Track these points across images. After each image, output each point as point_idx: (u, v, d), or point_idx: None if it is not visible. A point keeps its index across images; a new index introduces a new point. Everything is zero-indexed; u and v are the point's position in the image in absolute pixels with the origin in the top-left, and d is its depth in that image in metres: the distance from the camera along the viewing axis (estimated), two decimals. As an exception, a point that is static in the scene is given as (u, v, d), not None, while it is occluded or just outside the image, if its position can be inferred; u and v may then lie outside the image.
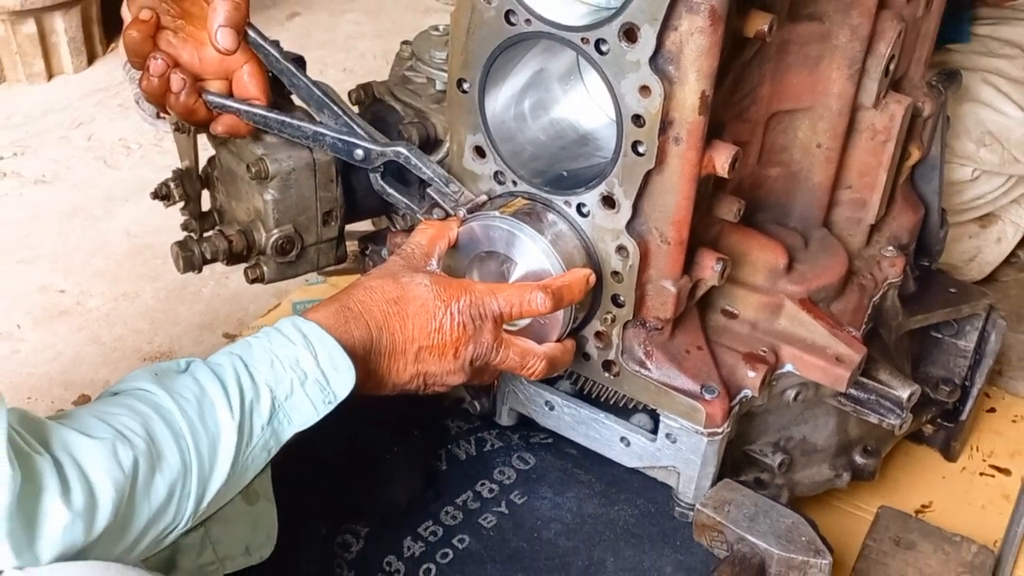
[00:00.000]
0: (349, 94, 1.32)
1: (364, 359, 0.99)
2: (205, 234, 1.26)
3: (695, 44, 0.94)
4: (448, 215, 1.14)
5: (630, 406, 1.19)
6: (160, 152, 2.34)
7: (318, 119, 1.17)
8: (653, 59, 0.95)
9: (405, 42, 1.34)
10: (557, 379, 1.23)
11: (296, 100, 1.21)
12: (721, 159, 1.02)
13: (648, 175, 1.02)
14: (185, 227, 1.29)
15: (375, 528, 1.19)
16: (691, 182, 1.02)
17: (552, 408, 1.23)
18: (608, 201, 1.05)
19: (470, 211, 1.12)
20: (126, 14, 1.15)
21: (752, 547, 1.11)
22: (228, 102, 1.14)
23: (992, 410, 1.62)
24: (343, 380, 0.96)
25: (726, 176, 1.03)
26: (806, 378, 1.19)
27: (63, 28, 2.60)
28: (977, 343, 1.47)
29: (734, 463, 1.24)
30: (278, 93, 1.19)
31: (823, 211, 1.26)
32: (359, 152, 1.16)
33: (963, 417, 1.51)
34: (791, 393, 1.21)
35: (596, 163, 1.09)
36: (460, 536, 1.19)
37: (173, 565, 0.93)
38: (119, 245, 2.06)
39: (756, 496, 1.15)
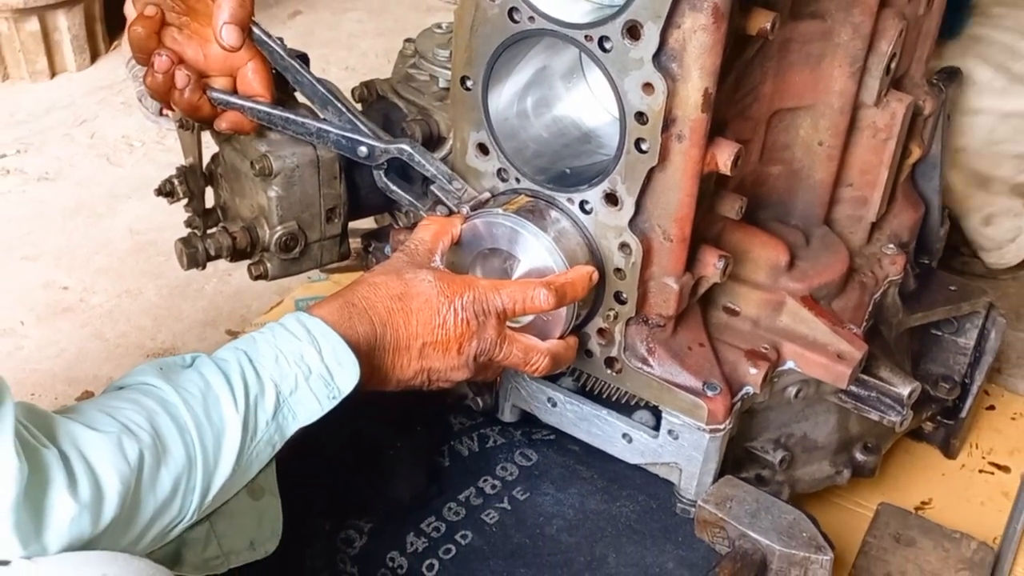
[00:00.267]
0: (352, 92, 1.32)
1: (368, 355, 1.00)
2: (209, 231, 1.26)
3: (698, 42, 0.95)
4: (451, 212, 1.14)
5: (632, 403, 1.19)
6: (163, 149, 2.35)
7: (322, 116, 1.18)
8: (656, 56, 0.96)
9: (408, 40, 1.34)
10: (559, 376, 1.23)
11: (300, 97, 1.22)
12: (724, 156, 1.02)
13: (651, 172, 1.02)
14: (189, 224, 1.30)
15: (378, 524, 1.20)
16: (694, 179, 1.02)
17: (554, 405, 1.24)
18: (611, 198, 1.06)
19: (473, 208, 1.12)
20: (129, 11, 1.15)
21: (754, 543, 1.11)
22: (232, 99, 1.14)
23: (992, 407, 1.62)
24: (347, 375, 0.96)
25: (728, 173, 1.03)
26: (807, 375, 1.19)
27: (66, 26, 2.60)
28: (977, 341, 1.47)
29: (735, 460, 1.24)
30: (282, 90, 1.19)
31: (824, 209, 1.27)
32: (363, 149, 1.16)
33: (963, 414, 1.51)
34: (792, 390, 1.22)
35: (599, 160, 1.10)
36: (463, 532, 1.19)
37: (178, 559, 0.94)
38: (122, 242, 2.07)
39: (758, 492, 1.16)
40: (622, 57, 0.97)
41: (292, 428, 0.95)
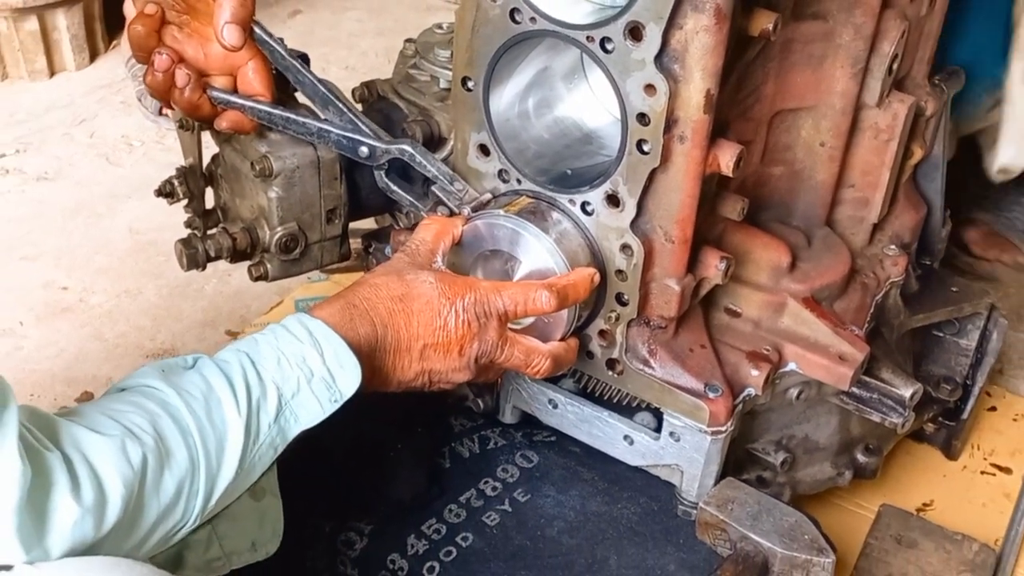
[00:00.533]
0: (352, 92, 1.32)
1: (369, 356, 1.00)
2: (209, 231, 1.26)
3: (700, 43, 0.95)
4: (453, 213, 1.14)
5: (634, 404, 1.19)
6: (163, 149, 2.35)
7: (323, 116, 1.18)
8: (658, 58, 0.96)
9: (409, 40, 1.34)
10: (561, 377, 1.23)
11: (301, 97, 1.22)
12: (725, 158, 1.02)
13: (653, 174, 1.02)
14: (189, 224, 1.29)
15: (379, 525, 1.20)
16: (695, 180, 1.02)
17: (556, 406, 1.24)
18: (612, 199, 1.06)
19: (475, 209, 1.12)
20: (129, 10, 1.15)
21: (755, 545, 1.11)
22: (232, 98, 1.14)
23: (993, 409, 1.62)
24: (349, 378, 0.96)
25: (730, 175, 1.03)
26: (809, 376, 1.19)
27: (65, 25, 2.59)
28: (978, 342, 1.47)
29: (737, 461, 1.24)
30: (282, 91, 1.19)
31: (826, 210, 1.27)
32: (364, 149, 1.16)
33: (964, 416, 1.51)
34: (794, 391, 1.22)
35: (600, 162, 1.10)
36: (464, 534, 1.19)
37: (180, 561, 0.93)
38: (122, 242, 2.06)
39: (759, 494, 1.16)
40: (624, 58, 0.97)
41: (294, 431, 0.94)
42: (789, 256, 1.19)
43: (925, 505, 1.47)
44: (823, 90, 1.17)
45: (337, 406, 0.96)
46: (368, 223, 1.40)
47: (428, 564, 1.16)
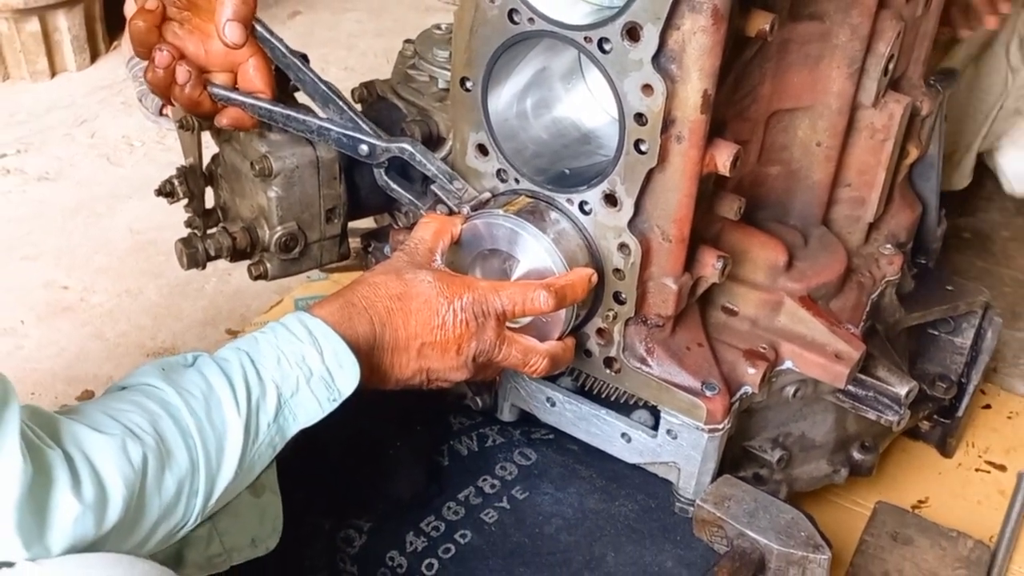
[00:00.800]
0: (352, 92, 1.32)
1: (368, 354, 1.00)
2: (209, 231, 1.26)
3: (697, 43, 0.95)
4: (452, 212, 1.14)
5: (631, 402, 1.20)
6: (163, 149, 2.35)
7: (323, 114, 1.18)
8: (655, 58, 0.96)
9: (408, 40, 1.35)
10: (558, 376, 1.23)
11: (301, 96, 1.22)
12: (722, 157, 1.03)
13: (650, 173, 1.03)
14: (189, 224, 1.30)
15: (378, 523, 1.20)
16: (693, 180, 1.03)
17: (553, 404, 1.24)
18: (610, 199, 1.06)
19: (474, 208, 1.12)
20: (129, 10, 1.16)
21: (752, 542, 1.12)
22: (233, 95, 1.14)
23: (988, 407, 1.63)
24: (348, 377, 0.96)
25: (727, 174, 1.04)
26: (805, 375, 1.20)
27: (66, 26, 2.60)
28: (973, 340, 1.47)
29: (734, 459, 1.25)
30: (282, 90, 1.20)
31: (822, 209, 1.27)
32: (364, 148, 1.17)
33: (959, 414, 1.51)
34: (790, 389, 1.22)
35: (598, 161, 1.10)
36: (462, 531, 1.20)
37: (181, 558, 0.94)
38: (122, 242, 2.07)
39: (756, 492, 1.16)
40: (621, 58, 0.98)
41: (293, 430, 0.95)
42: (786, 255, 1.19)
43: (920, 502, 1.48)
44: (819, 90, 1.18)
45: (336, 405, 0.97)
46: (367, 222, 1.40)
47: (427, 561, 1.16)
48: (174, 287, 1.94)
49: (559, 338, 1.11)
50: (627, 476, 1.25)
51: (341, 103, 1.17)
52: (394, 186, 1.19)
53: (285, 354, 0.95)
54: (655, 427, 1.19)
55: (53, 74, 2.65)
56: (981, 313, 1.47)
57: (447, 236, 1.09)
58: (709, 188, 1.10)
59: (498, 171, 1.14)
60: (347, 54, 2.82)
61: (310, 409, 0.95)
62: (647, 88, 0.98)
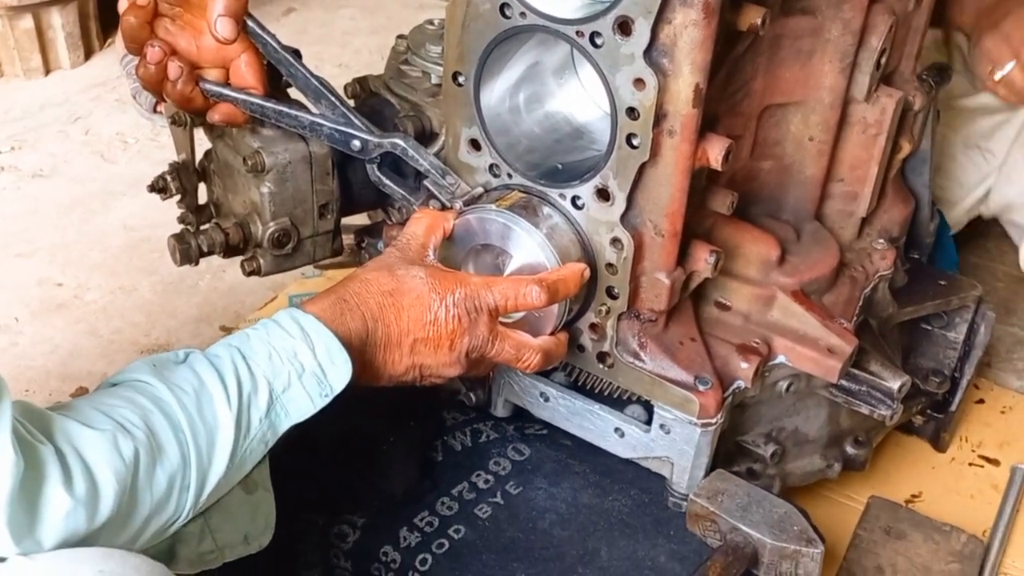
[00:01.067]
0: (345, 88, 1.32)
1: (360, 351, 1.00)
2: (202, 227, 1.26)
3: (689, 37, 0.95)
4: (445, 207, 1.15)
5: (624, 397, 1.20)
6: (157, 146, 2.35)
7: (316, 110, 1.18)
8: (647, 52, 0.96)
9: (400, 36, 1.35)
10: (552, 371, 1.23)
11: (293, 92, 1.22)
12: (715, 152, 1.03)
13: (642, 168, 1.03)
14: (182, 220, 1.30)
15: (371, 518, 1.20)
16: (685, 175, 1.03)
17: (547, 400, 1.25)
18: (603, 194, 1.06)
19: (466, 203, 1.12)
20: (123, 7, 1.15)
21: (745, 536, 1.12)
22: (225, 91, 1.14)
23: (981, 401, 1.63)
24: (340, 373, 0.96)
25: (719, 169, 1.04)
26: (798, 369, 1.20)
27: (60, 23, 2.60)
28: (966, 335, 1.48)
29: (727, 454, 1.25)
30: (274, 86, 1.20)
31: (815, 204, 1.27)
32: (356, 143, 1.16)
33: (952, 408, 1.52)
34: (783, 384, 1.23)
35: (590, 156, 1.10)
36: (456, 526, 1.20)
37: (173, 555, 0.94)
38: (116, 238, 2.07)
39: (749, 486, 1.16)
40: (613, 53, 0.98)
41: (285, 426, 0.95)
42: (778, 250, 1.19)
43: (914, 497, 1.48)
44: (812, 85, 1.18)
45: (328, 400, 0.97)
46: (360, 218, 1.40)
47: (420, 556, 1.16)
48: (168, 284, 1.94)
49: (552, 333, 1.11)
50: (620, 471, 1.25)
51: (333, 99, 1.17)
52: (387, 181, 1.19)
53: (277, 350, 0.95)
54: (648, 422, 1.19)
55: (47, 71, 2.64)
56: (974, 308, 1.47)
57: (439, 231, 1.09)
58: (701, 183, 1.10)
59: (491, 166, 1.14)
60: (341, 51, 2.82)
61: (302, 405, 0.95)
62: (639, 82, 0.98)
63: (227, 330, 1.82)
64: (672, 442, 1.17)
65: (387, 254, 1.08)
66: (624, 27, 0.96)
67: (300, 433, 0.97)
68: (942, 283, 1.46)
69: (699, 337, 1.18)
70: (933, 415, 1.53)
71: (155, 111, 2.38)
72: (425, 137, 1.25)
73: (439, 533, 1.19)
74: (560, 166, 1.12)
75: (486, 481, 1.25)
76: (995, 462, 1.54)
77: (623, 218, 1.07)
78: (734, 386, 1.16)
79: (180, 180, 1.27)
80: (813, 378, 1.21)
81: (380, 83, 1.33)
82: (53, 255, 2.02)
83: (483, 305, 1.04)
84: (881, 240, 1.32)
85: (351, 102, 1.29)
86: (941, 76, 1.35)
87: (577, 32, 0.99)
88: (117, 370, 0.93)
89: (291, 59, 1.17)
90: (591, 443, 1.24)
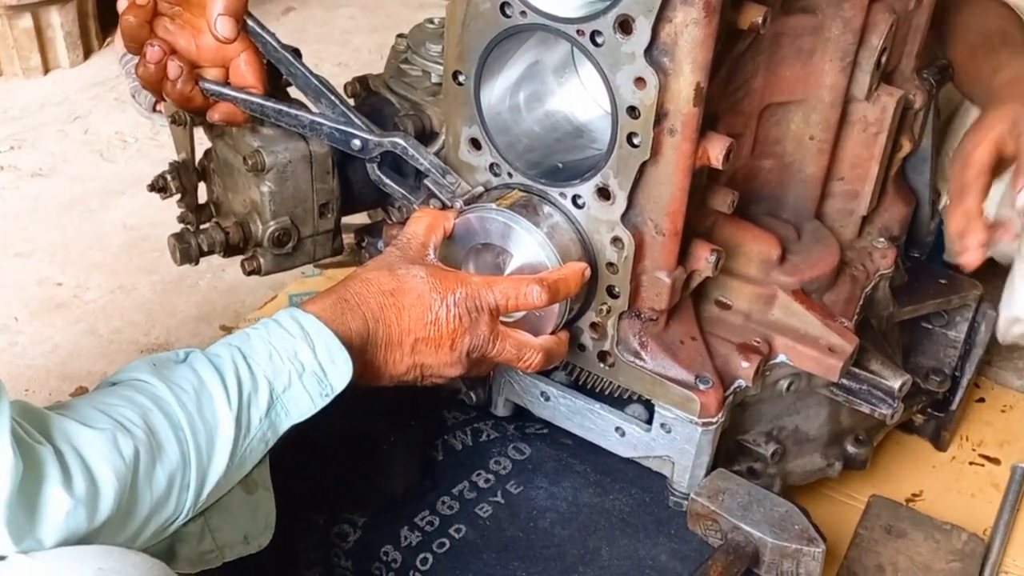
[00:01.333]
0: (345, 87, 1.32)
1: (361, 350, 1.00)
2: (202, 226, 1.26)
3: (690, 36, 0.95)
4: (445, 206, 1.14)
5: (625, 396, 1.20)
6: (156, 145, 2.35)
7: (316, 109, 1.18)
8: (648, 51, 0.96)
9: (400, 35, 1.35)
10: (552, 370, 1.23)
11: (293, 91, 1.22)
12: (715, 151, 1.02)
13: (643, 167, 1.03)
14: (182, 219, 1.30)
15: (372, 518, 1.20)
16: (686, 173, 1.03)
17: (548, 399, 1.24)
18: (603, 193, 1.06)
19: (467, 202, 1.12)
20: (122, 6, 1.15)
21: (746, 536, 1.12)
22: (225, 90, 1.14)
23: (982, 400, 1.63)
24: (340, 373, 0.96)
25: (720, 168, 1.04)
26: (799, 368, 1.20)
27: (59, 23, 2.60)
28: (967, 334, 1.48)
29: (727, 453, 1.25)
30: (274, 85, 1.20)
31: (815, 203, 1.27)
32: (356, 142, 1.16)
33: (953, 407, 1.52)
34: (784, 383, 1.22)
35: (591, 155, 1.10)
36: (457, 526, 1.20)
37: (173, 554, 0.94)
38: (116, 238, 2.07)
39: (750, 485, 1.16)
40: (614, 51, 0.98)
41: (285, 425, 0.95)
42: (779, 249, 1.19)
43: (914, 495, 1.48)
44: (812, 84, 1.18)
45: (328, 400, 0.96)
46: (361, 217, 1.40)
47: (421, 556, 1.16)
48: (168, 283, 1.94)
49: (553, 332, 1.11)
50: (621, 470, 1.25)
51: (333, 98, 1.17)
52: (387, 180, 1.19)
53: (277, 349, 0.95)
54: (649, 421, 1.19)
55: (46, 71, 2.64)
56: (975, 307, 1.47)
57: (440, 230, 1.09)
58: (702, 181, 1.10)
59: (491, 165, 1.14)
60: (340, 50, 2.82)
61: (302, 404, 0.95)
62: (640, 81, 0.98)
63: (227, 329, 1.82)
64: (673, 441, 1.17)
65: (387, 253, 1.08)
66: (625, 26, 0.96)
67: (300, 432, 0.97)
68: (943, 282, 1.46)
69: (700, 336, 1.18)
70: (934, 414, 1.53)
71: (154, 110, 2.38)
72: (425, 136, 1.25)
73: (440, 532, 1.19)
74: (560, 165, 1.12)
75: (487, 480, 1.26)
76: (996, 461, 1.54)
77: (624, 217, 1.06)
78: (735, 385, 1.16)
79: (180, 179, 1.27)
80: (814, 377, 1.21)
81: (380, 82, 1.33)
82: (52, 254, 2.02)
83: (484, 304, 1.04)
84: (882, 239, 1.32)
85: (351, 101, 1.29)
86: (941, 75, 1.35)
87: (578, 31, 0.99)
88: (117, 369, 0.93)
89: (291, 58, 1.17)
90: (592, 442, 1.24)
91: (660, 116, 0.99)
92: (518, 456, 1.29)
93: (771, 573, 1.13)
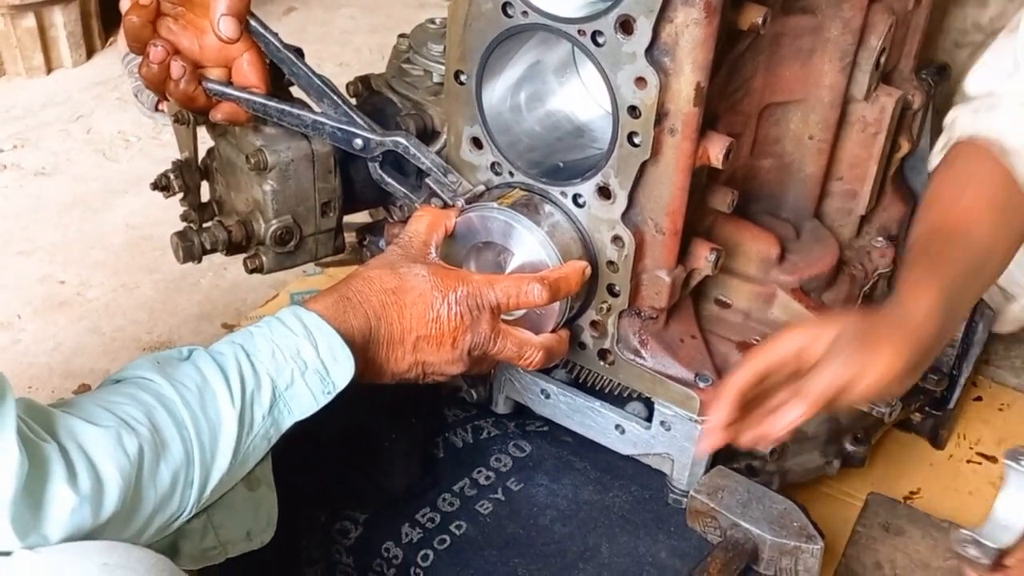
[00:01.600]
0: (347, 87, 1.33)
1: (363, 348, 1.01)
2: (204, 225, 1.27)
3: (690, 36, 0.96)
4: (447, 205, 1.15)
5: (625, 394, 1.20)
6: (159, 145, 2.35)
7: (318, 108, 1.19)
8: (649, 51, 0.97)
9: (402, 35, 1.35)
10: (553, 368, 1.24)
11: (295, 91, 1.23)
12: (715, 150, 1.03)
13: (643, 166, 1.03)
14: (184, 218, 1.30)
15: (373, 515, 1.21)
16: (686, 173, 1.03)
17: (548, 396, 1.25)
18: (604, 192, 1.07)
19: (468, 201, 1.13)
20: (125, 6, 1.16)
21: (745, 533, 1.13)
22: (228, 90, 1.15)
23: (979, 399, 1.64)
24: (342, 371, 0.97)
25: (720, 167, 1.04)
26: (798, 367, 1.20)
27: (62, 22, 2.60)
28: (964, 333, 1.48)
29: (726, 450, 1.25)
30: (277, 85, 1.20)
31: (814, 202, 1.28)
32: (358, 141, 1.17)
33: (951, 406, 1.52)
34: (783, 381, 1.23)
35: (591, 154, 1.11)
36: (457, 523, 1.20)
37: (176, 550, 0.94)
38: (118, 236, 2.07)
39: (749, 483, 1.17)
40: (615, 51, 0.98)
41: (288, 422, 0.95)
42: (778, 248, 1.20)
43: (912, 493, 1.48)
44: (811, 84, 1.19)
45: (330, 398, 0.97)
46: (362, 216, 1.41)
47: (422, 552, 1.17)
48: (170, 282, 1.94)
49: (553, 330, 1.12)
50: (621, 467, 1.26)
51: (335, 97, 1.18)
52: (388, 180, 1.20)
53: (280, 347, 0.95)
54: (649, 419, 1.19)
55: (49, 70, 2.65)
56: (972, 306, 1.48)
57: (441, 229, 1.10)
58: (702, 181, 1.11)
59: (492, 164, 1.14)
60: (341, 50, 2.82)
61: (305, 402, 0.96)
62: (640, 81, 0.98)
63: (229, 327, 1.83)
64: (672, 439, 1.18)
65: (389, 252, 1.08)
66: (626, 26, 0.97)
67: (303, 430, 0.97)
68: (941, 281, 1.46)
69: (699, 334, 1.18)
70: (931, 412, 1.53)
71: (157, 110, 2.39)
72: (427, 135, 1.26)
73: (441, 529, 1.19)
74: (561, 164, 1.13)
75: (487, 478, 1.26)
76: (993, 459, 1.54)
77: (624, 216, 1.07)
78: (734, 383, 1.17)
79: (183, 178, 1.27)
80: (813, 375, 1.22)
81: (382, 82, 1.33)
82: (55, 253, 2.03)
83: (485, 303, 1.05)
84: (880, 238, 1.33)
85: (353, 101, 1.29)
86: (940, 75, 1.35)
87: (579, 31, 0.99)
88: (119, 367, 0.94)
89: (293, 58, 1.17)
90: (592, 440, 1.25)
91: (661, 116, 1.00)
92: (518, 453, 1.29)
93: (770, 570, 1.13)
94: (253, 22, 1.14)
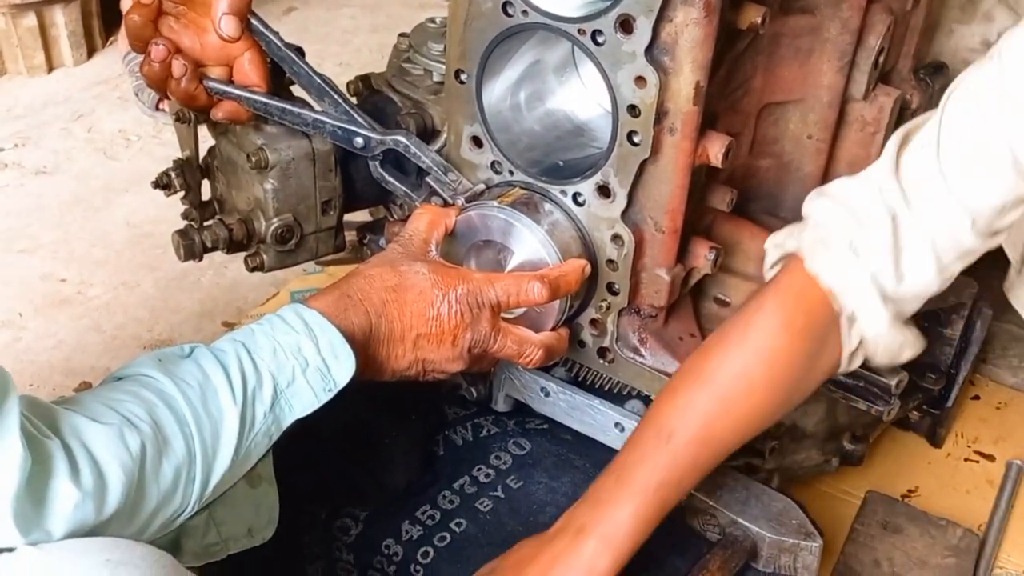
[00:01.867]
0: (347, 86, 1.33)
1: (364, 345, 1.01)
2: (205, 223, 1.27)
3: (690, 35, 0.96)
4: (447, 203, 1.16)
5: (624, 392, 1.21)
6: (159, 143, 2.36)
7: (319, 107, 1.19)
8: (648, 50, 0.97)
9: (402, 34, 1.36)
10: (552, 366, 1.24)
11: (296, 90, 1.23)
12: (715, 149, 1.04)
13: (643, 165, 1.04)
14: (185, 216, 1.31)
15: (374, 512, 1.21)
16: (685, 172, 1.04)
17: (547, 394, 1.25)
18: (603, 190, 1.07)
19: (468, 200, 1.13)
20: (125, 5, 1.16)
21: (744, 530, 1.13)
22: (229, 88, 1.15)
23: (977, 397, 1.64)
24: (343, 368, 0.97)
25: (719, 166, 1.05)
26: (796, 365, 1.20)
27: (63, 21, 2.61)
28: (963, 332, 1.48)
29: (726, 449, 1.26)
30: (277, 83, 1.21)
31: (814, 201, 1.28)
32: (359, 140, 1.17)
33: (948, 404, 1.52)
34: (782, 380, 1.23)
35: (591, 153, 1.11)
36: (457, 520, 1.21)
37: (178, 547, 0.95)
38: (119, 235, 2.08)
39: (747, 480, 1.17)
40: (615, 51, 0.99)
41: (289, 420, 0.96)
42: (777, 247, 1.20)
43: (910, 491, 1.49)
44: (810, 83, 1.19)
45: (331, 395, 0.97)
46: (363, 215, 1.41)
47: (422, 549, 1.17)
48: (171, 280, 1.95)
49: (553, 329, 1.13)
50: (620, 465, 1.26)
51: (336, 96, 1.18)
52: (389, 178, 1.20)
53: (281, 345, 0.96)
54: (648, 417, 1.19)
55: (50, 69, 2.65)
56: (970, 305, 1.48)
57: (441, 227, 1.10)
58: (701, 180, 1.11)
59: (492, 163, 1.15)
60: (342, 50, 2.82)
61: (306, 399, 0.96)
62: (640, 80, 0.99)
63: (229, 325, 1.83)
64: (671, 437, 1.18)
65: (390, 250, 1.09)
66: (626, 25, 0.97)
67: (304, 427, 0.97)
68: (939, 280, 1.46)
69: (699, 333, 1.19)
70: (929, 411, 1.54)
71: (157, 108, 2.39)
72: (427, 134, 1.26)
73: (441, 526, 1.20)
74: (561, 163, 1.13)
75: (487, 475, 1.26)
76: (990, 457, 1.54)
77: (624, 215, 1.08)
78: (733, 381, 1.17)
79: (184, 176, 1.27)
80: (811, 374, 1.22)
81: (382, 81, 1.34)
82: (56, 251, 2.03)
83: (485, 301, 1.05)
84: (879, 237, 1.33)
85: (353, 99, 1.30)
86: (938, 74, 1.36)
87: (579, 30, 1.00)
88: (120, 365, 0.94)
89: (294, 57, 1.18)
90: (591, 438, 1.25)
91: (660, 115, 1.00)
92: (518, 451, 1.30)
93: (769, 568, 1.14)
94: (254, 21, 1.15)
